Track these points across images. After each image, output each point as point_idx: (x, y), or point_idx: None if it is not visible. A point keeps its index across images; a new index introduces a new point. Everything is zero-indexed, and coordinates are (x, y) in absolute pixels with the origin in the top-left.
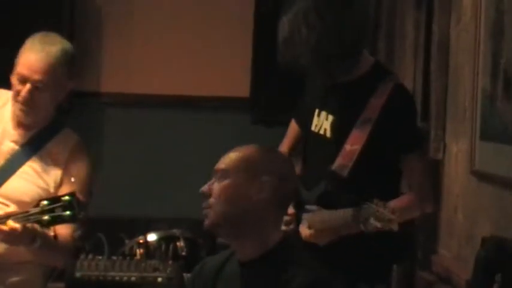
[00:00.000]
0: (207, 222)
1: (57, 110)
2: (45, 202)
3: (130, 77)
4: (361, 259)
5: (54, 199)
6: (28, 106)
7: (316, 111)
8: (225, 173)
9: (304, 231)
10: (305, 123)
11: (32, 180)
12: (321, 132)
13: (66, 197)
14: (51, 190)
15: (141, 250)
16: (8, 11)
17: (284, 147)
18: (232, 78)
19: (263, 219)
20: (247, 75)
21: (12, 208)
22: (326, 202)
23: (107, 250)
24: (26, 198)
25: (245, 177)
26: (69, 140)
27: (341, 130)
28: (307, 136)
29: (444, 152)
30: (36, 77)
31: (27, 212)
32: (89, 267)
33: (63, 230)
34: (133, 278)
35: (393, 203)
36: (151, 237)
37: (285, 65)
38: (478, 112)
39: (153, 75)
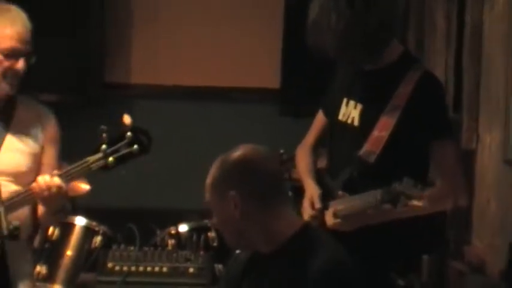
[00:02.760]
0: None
1: (80, 94)
2: (104, 146)
3: (160, 68)
4: (392, 249)
5: (115, 139)
6: (18, 79)
7: (344, 100)
8: (210, 206)
9: (329, 220)
10: (332, 112)
11: (19, 149)
12: (349, 121)
13: (129, 133)
14: (39, 153)
15: (173, 241)
16: (39, 4)
17: (309, 138)
18: (262, 69)
19: (258, 223)
20: (277, 66)
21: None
22: (352, 188)
23: (138, 241)
24: (22, 168)
25: (218, 203)
26: (31, 103)
27: (369, 118)
28: (333, 126)
29: (477, 142)
30: (28, 47)
31: (85, 161)
32: (120, 257)
33: None
34: (164, 269)
35: (428, 192)
36: (183, 228)
37: (313, 47)
38: (511, 102)
39: (182, 67)
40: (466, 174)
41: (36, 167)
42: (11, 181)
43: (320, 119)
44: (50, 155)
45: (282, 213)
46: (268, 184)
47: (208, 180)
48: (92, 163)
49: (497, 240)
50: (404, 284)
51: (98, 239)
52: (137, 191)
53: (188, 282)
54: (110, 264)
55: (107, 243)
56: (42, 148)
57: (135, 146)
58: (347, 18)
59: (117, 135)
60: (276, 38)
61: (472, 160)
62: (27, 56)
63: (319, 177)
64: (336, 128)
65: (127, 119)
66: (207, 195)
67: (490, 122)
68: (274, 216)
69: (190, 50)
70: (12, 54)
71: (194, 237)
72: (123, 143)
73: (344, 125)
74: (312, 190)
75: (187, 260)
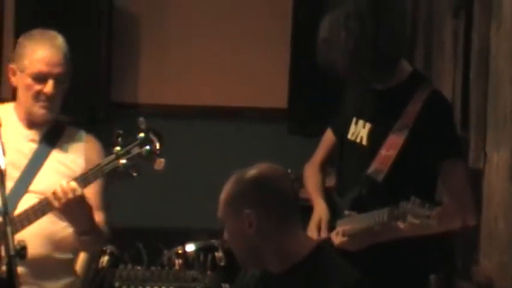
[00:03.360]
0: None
1: (88, 114)
2: (117, 148)
3: (168, 88)
4: (398, 269)
5: (127, 141)
6: (52, 102)
7: (354, 119)
8: (223, 222)
9: (336, 239)
10: (342, 132)
11: (59, 171)
12: (358, 140)
13: (141, 134)
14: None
15: (180, 260)
16: (47, 24)
17: (318, 157)
18: (270, 88)
19: (272, 242)
20: (285, 86)
21: None
22: (360, 207)
23: (145, 260)
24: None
25: (233, 219)
26: (79, 132)
27: (377, 137)
28: (342, 145)
29: (485, 161)
30: (56, 70)
31: (98, 164)
32: (127, 277)
33: (97, 218)
34: None
35: (436, 212)
36: (190, 247)
37: (323, 65)
38: None
39: (190, 87)
40: (474, 192)
41: None
42: None
43: (329, 137)
44: (93, 185)
45: (296, 232)
46: (284, 203)
47: (223, 196)
48: (105, 165)
49: (505, 259)
50: None
51: (105, 259)
52: (144, 211)
53: None
54: (117, 284)
55: (114, 263)
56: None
57: (147, 147)
58: (357, 37)
59: (130, 137)
60: (283, 57)
61: (480, 179)
62: (56, 78)
63: (328, 196)
64: (345, 147)
65: (142, 122)
66: (221, 211)
67: (497, 141)
68: (289, 236)
69: (197, 70)
70: (40, 77)
71: (201, 257)
72: (134, 144)
73: (353, 144)
74: (320, 212)
75: (195, 279)
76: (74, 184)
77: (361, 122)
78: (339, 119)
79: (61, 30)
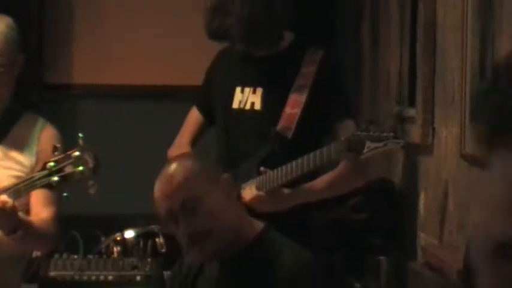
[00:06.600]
0: (202, 258)
1: (19, 98)
2: (51, 163)
3: (103, 68)
4: (347, 253)
5: (62, 158)
6: None
7: (238, 88)
8: (191, 203)
9: (250, 193)
10: (224, 103)
11: (6, 167)
12: (247, 107)
13: (76, 153)
14: (27, 171)
15: (118, 248)
16: None
17: (184, 138)
18: (205, 67)
19: (238, 218)
20: None
21: None
22: (273, 165)
23: (82, 249)
24: (5, 184)
25: (212, 192)
26: (35, 121)
27: (273, 99)
28: (226, 117)
29: (433, 137)
30: None
31: (31, 177)
32: (63, 266)
33: (44, 214)
34: (110, 277)
35: (326, 176)
36: (129, 234)
37: (216, 33)
38: (467, 94)
39: (125, 66)
40: (423, 169)
41: None
42: None
43: (195, 117)
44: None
45: (241, 216)
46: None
47: (186, 179)
48: (37, 180)
49: (455, 238)
50: (360, 287)
51: None
52: (79, 197)
53: None
54: (52, 274)
55: (48, 252)
56: (37, 163)
57: (80, 168)
58: (251, 3)
59: (65, 154)
60: None
61: (428, 154)
62: None
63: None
64: (230, 118)
65: (80, 139)
66: (189, 193)
67: (445, 116)
68: (243, 214)
69: (133, 49)
70: None
71: (141, 243)
72: (68, 162)
73: (241, 112)
74: None
75: (134, 267)
76: (4, 197)
77: (248, 89)
78: (208, 96)
79: None
